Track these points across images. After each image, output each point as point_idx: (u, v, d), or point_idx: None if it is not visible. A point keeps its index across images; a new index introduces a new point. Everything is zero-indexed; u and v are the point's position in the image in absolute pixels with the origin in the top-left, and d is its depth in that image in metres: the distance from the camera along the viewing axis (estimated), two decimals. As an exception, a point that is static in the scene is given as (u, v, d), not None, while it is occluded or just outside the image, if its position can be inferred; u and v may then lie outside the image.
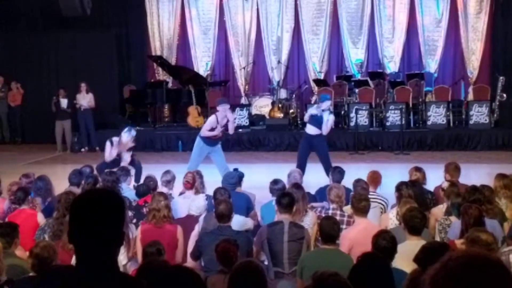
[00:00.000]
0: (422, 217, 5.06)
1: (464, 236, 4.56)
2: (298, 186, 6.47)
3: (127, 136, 9.40)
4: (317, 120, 9.69)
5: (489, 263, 1.47)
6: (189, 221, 6.16)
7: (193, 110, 15.47)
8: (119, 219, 2.21)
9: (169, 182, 7.55)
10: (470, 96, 15.74)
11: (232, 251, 4.48)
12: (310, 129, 9.80)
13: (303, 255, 5.15)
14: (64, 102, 15.11)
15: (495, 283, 1.44)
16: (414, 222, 4.94)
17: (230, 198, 6.23)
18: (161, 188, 7.34)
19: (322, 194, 7.23)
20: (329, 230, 4.93)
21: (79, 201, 2.22)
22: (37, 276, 4.16)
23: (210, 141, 9.79)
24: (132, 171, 8.69)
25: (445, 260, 1.50)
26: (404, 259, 4.38)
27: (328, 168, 9.44)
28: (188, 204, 6.55)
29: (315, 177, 9.55)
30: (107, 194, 2.27)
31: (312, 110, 10.09)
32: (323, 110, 9.68)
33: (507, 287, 1.46)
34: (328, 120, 9.63)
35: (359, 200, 5.67)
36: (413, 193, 6.27)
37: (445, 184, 6.42)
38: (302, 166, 9.45)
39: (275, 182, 7.01)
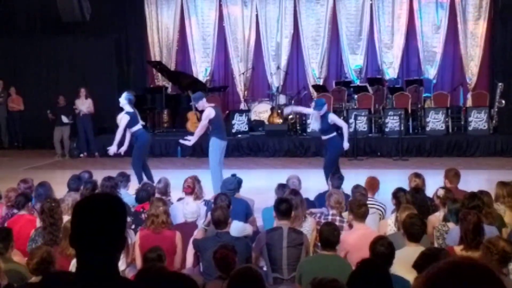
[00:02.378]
0: (422, 224, 5.06)
1: (483, 242, 4.56)
2: (295, 192, 6.45)
3: None
4: (324, 130, 9.51)
5: (480, 269, 1.46)
6: (187, 227, 6.15)
7: (192, 115, 15.48)
8: (121, 224, 2.23)
9: (165, 192, 7.51)
10: (469, 102, 15.76)
11: (230, 257, 4.47)
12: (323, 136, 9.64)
13: (302, 261, 5.14)
14: (65, 119, 15.12)
15: None
16: (414, 229, 4.94)
17: (230, 204, 6.23)
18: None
19: (321, 200, 7.23)
20: (329, 236, 4.92)
21: (82, 206, 2.23)
22: (38, 282, 4.15)
23: (223, 136, 9.56)
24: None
25: (434, 267, 1.49)
26: (403, 265, 4.38)
27: (327, 175, 9.34)
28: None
29: (314, 182, 9.54)
30: (109, 199, 2.29)
31: (315, 123, 9.88)
32: (322, 116, 9.46)
33: None
34: (333, 120, 9.46)
35: (359, 206, 5.67)
36: (412, 200, 6.26)
37: (440, 192, 6.41)
38: (337, 170, 9.28)
39: (282, 186, 7.02)
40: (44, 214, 5.82)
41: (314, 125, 10.02)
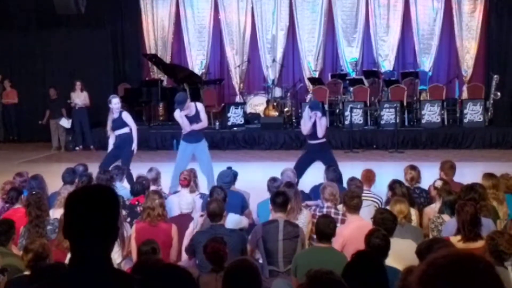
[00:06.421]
0: (394, 219, 5.01)
1: (488, 234, 4.57)
2: (290, 184, 6.46)
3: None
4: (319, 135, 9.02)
5: (478, 262, 1.47)
6: (183, 219, 6.15)
7: (188, 108, 15.45)
8: (114, 214, 2.24)
9: (156, 180, 7.57)
10: (465, 95, 15.79)
11: (221, 250, 4.45)
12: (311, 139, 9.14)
13: (297, 253, 5.14)
14: (65, 122, 15.10)
15: (484, 282, 1.44)
16: (386, 225, 4.89)
17: (226, 197, 6.23)
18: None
19: (316, 192, 7.23)
20: (325, 229, 4.91)
21: (74, 197, 2.25)
22: (32, 274, 4.15)
23: (189, 137, 8.96)
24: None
25: (431, 259, 1.49)
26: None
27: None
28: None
29: (309, 175, 9.53)
30: (101, 190, 2.31)
31: (308, 123, 9.03)
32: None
33: (495, 286, 1.46)
34: (321, 123, 8.92)
35: (352, 198, 5.67)
36: (407, 192, 6.27)
37: (438, 183, 6.42)
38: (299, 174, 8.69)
39: (273, 180, 7.01)
40: (30, 207, 5.80)
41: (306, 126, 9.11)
